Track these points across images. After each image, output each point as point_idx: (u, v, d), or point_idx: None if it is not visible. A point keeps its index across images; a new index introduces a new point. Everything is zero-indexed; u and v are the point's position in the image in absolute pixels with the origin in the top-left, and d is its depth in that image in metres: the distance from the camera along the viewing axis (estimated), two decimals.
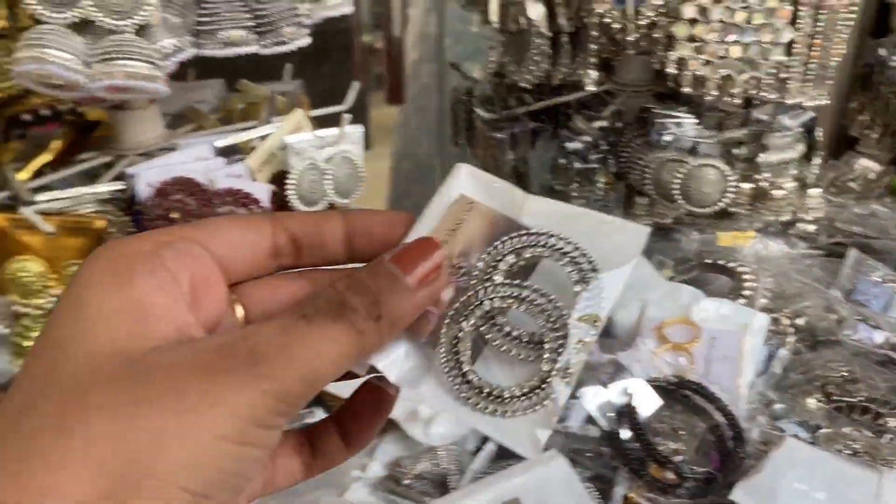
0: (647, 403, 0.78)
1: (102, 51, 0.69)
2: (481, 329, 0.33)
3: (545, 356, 0.32)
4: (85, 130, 1.06)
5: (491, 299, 0.33)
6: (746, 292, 0.96)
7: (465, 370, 0.32)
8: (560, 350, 0.32)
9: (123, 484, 0.25)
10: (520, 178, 1.22)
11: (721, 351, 0.85)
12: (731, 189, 1.08)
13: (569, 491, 0.67)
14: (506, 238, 0.34)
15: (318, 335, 0.29)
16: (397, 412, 0.75)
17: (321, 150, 0.96)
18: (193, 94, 1.17)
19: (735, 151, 1.11)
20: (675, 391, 0.81)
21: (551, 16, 1.09)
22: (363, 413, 0.34)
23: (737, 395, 0.82)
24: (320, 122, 1.04)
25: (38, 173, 0.96)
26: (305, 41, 0.85)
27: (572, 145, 1.09)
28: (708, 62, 1.00)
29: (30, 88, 0.73)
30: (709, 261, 1.02)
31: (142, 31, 0.72)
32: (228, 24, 0.80)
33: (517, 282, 0.34)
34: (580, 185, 1.09)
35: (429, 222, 0.35)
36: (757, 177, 1.11)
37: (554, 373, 0.32)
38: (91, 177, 1.01)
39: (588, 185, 1.10)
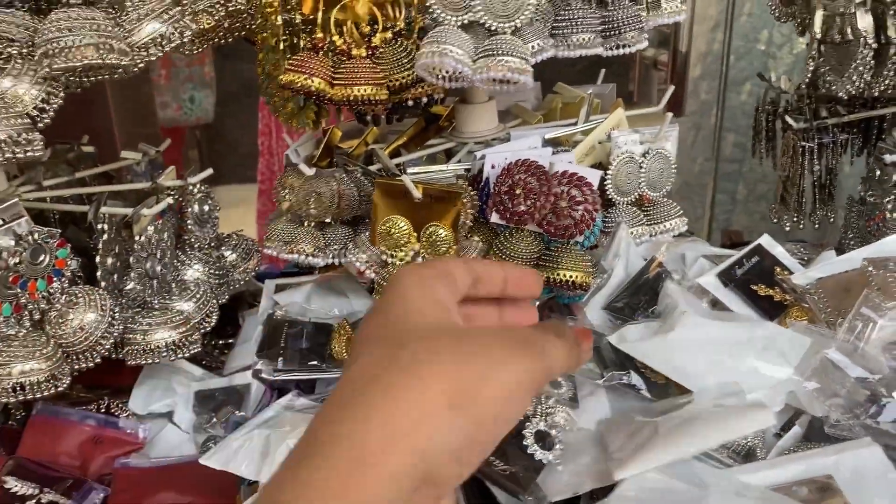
0: None
1: (484, 48, 0.84)
2: None
3: None
4: (430, 122, 1.24)
5: None
6: None
7: None
8: None
9: (461, 399, 0.40)
10: (822, 188, 1.22)
11: None
12: None
13: (883, 478, 0.69)
14: None
15: (559, 345, 0.48)
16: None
17: (639, 146, 1.05)
18: (516, 94, 1.31)
19: None
20: None
21: (879, 26, 1.08)
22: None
23: None
24: None
25: (396, 153, 1.15)
26: (643, 45, 0.94)
27: (891, 157, 1.07)
28: None
29: (420, 78, 0.90)
30: None
31: (516, 32, 0.86)
32: (580, 28, 0.91)
33: None
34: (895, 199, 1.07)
35: None
36: None
37: None
38: (432, 159, 1.19)
39: None
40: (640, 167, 1.04)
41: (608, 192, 1.04)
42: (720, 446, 0.75)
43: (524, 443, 0.75)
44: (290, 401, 0.98)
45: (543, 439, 0.76)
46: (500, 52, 0.83)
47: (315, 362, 1.03)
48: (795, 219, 1.24)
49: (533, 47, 0.86)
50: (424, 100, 0.94)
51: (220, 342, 1.25)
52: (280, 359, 1.03)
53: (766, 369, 0.82)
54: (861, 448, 0.71)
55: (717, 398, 0.76)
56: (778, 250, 1.04)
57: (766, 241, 1.05)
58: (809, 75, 1.13)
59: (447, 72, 0.85)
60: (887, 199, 1.07)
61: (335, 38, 0.89)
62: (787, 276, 1.00)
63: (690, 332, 0.86)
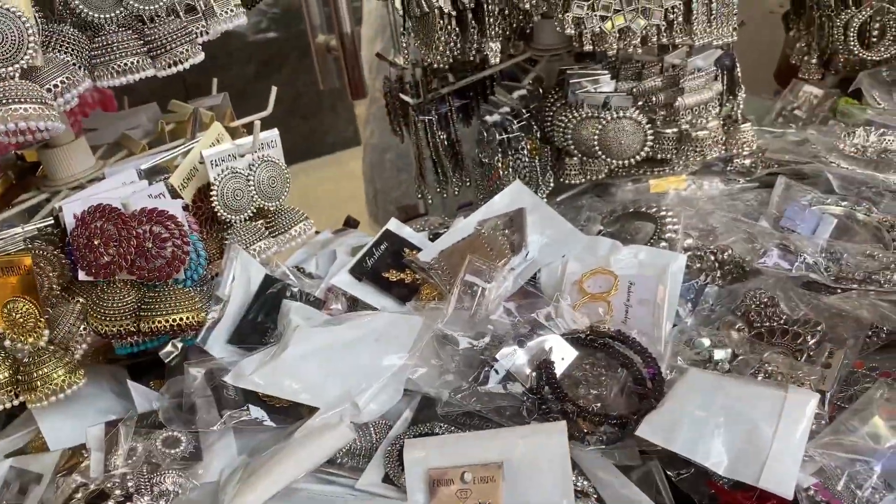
0: (564, 357, 0.81)
1: None
2: None
3: None
4: (26, 173, 1.11)
5: None
6: (668, 235, 0.98)
7: None
8: None
9: None
10: (453, 157, 1.25)
11: (639, 296, 0.88)
12: (651, 137, 1.10)
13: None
14: None
15: None
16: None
17: (241, 159, 0.99)
18: (127, 121, 1.21)
19: (654, 99, 1.12)
20: (595, 341, 0.83)
21: None
22: None
23: (657, 337, 0.85)
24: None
25: None
26: (200, 58, 0.88)
27: (491, 118, 1.11)
28: (604, 18, 1.01)
29: None
30: (630, 209, 1.04)
31: (28, 73, 0.76)
32: (121, 53, 0.83)
33: None
34: (504, 156, 1.11)
35: None
36: (678, 120, 1.12)
37: None
38: (32, 215, 1.06)
39: (513, 153, 1.12)
40: (248, 180, 0.99)
41: (220, 214, 0.98)
42: (337, 466, 0.73)
43: None
44: None
45: None
46: (9, 100, 0.73)
47: None
48: (438, 190, 1.26)
49: (55, 85, 0.77)
50: None
51: None
52: None
53: (382, 360, 0.81)
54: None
55: (317, 419, 0.74)
56: (406, 231, 1.05)
57: (393, 225, 1.05)
58: (405, 51, 1.14)
59: None
60: (496, 157, 1.10)
61: None
62: (415, 256, 1.00)
63: (304, 346, 0.83)
